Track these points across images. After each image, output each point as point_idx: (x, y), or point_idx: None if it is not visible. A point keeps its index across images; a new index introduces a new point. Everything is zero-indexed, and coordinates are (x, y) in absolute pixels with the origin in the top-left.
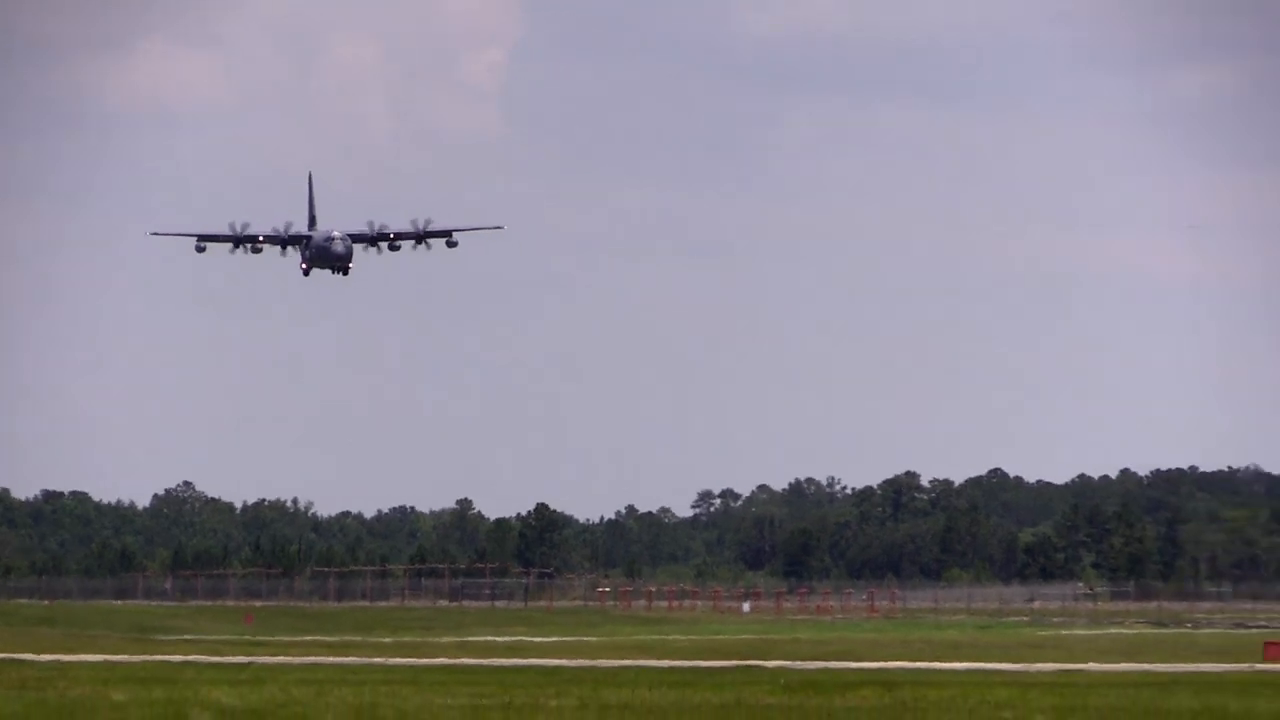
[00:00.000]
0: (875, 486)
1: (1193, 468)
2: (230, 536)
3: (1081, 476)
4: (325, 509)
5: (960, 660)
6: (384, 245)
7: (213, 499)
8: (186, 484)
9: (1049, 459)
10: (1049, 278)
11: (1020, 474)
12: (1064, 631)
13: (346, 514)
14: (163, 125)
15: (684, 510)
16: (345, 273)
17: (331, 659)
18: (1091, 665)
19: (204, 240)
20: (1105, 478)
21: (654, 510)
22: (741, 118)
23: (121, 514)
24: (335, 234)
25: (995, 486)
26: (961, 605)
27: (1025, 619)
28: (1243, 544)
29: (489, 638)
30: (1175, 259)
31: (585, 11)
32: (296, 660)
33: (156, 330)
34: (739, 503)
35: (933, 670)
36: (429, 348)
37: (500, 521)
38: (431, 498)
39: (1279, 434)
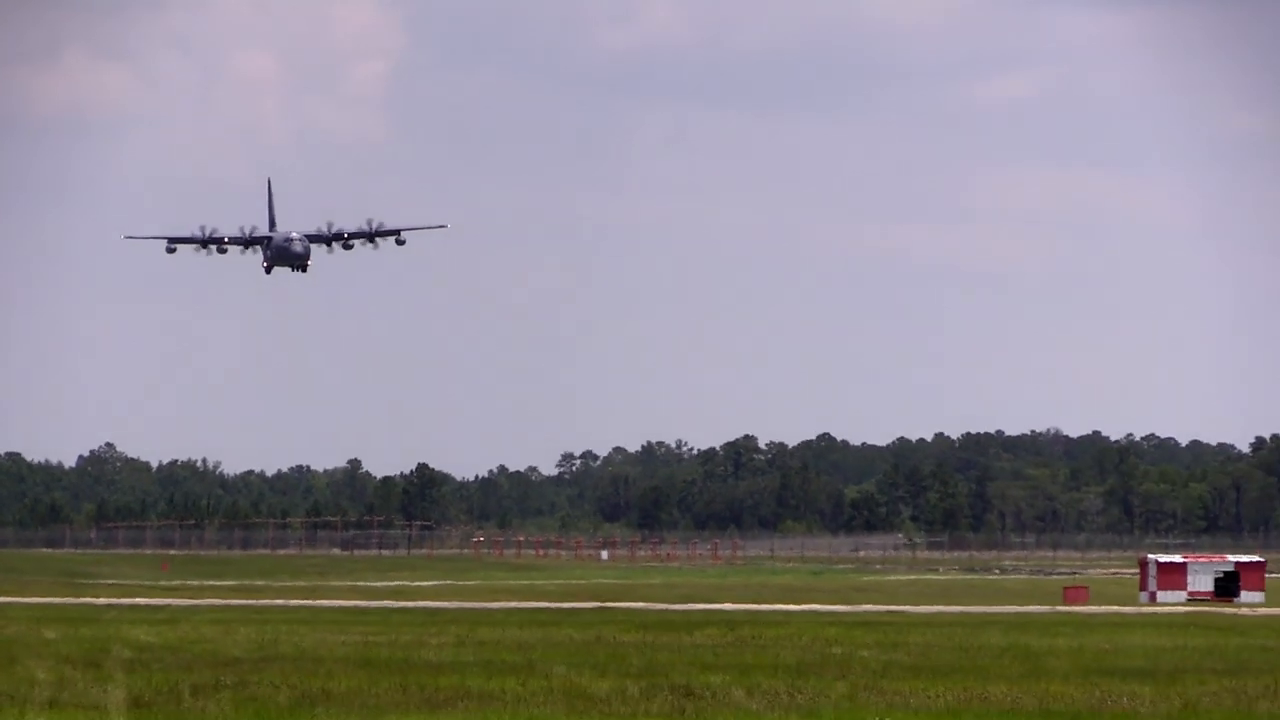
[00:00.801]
0: (718, 448)
1: (999, 431)
2: (147, 492)
3: (901, 439)
4: (231, 468)
5: (794, 602)
6: (338, 244)
7: (132, 459)
8: (109, 445)
9: (872, 424)
10: (870, 263)
11: (846, 437)
12: (886, 577)
13: (250, 472)
14: (80, 133)
15: (549, 469)
16: (304, 270)
17: (237, 601)
18: (910, 607)
19: (174, 242)
20: (922, 440)
21: (522, 469)
22: (598, 122)
23: (50, 472)
24: (294, 235)
25: (824, 448)
26: (795, 554)
27: (851, 566)
28: (1044, 499)
29: (377, 583)
30: (981, 244)
31: (460, 26)
32: (206, 602)
33: (83, 315)
34: (597, 463)
35: (770, 611)
36: (325, 327)
37: (386, 479)
38: (325, 458)
39: (1076, 401)
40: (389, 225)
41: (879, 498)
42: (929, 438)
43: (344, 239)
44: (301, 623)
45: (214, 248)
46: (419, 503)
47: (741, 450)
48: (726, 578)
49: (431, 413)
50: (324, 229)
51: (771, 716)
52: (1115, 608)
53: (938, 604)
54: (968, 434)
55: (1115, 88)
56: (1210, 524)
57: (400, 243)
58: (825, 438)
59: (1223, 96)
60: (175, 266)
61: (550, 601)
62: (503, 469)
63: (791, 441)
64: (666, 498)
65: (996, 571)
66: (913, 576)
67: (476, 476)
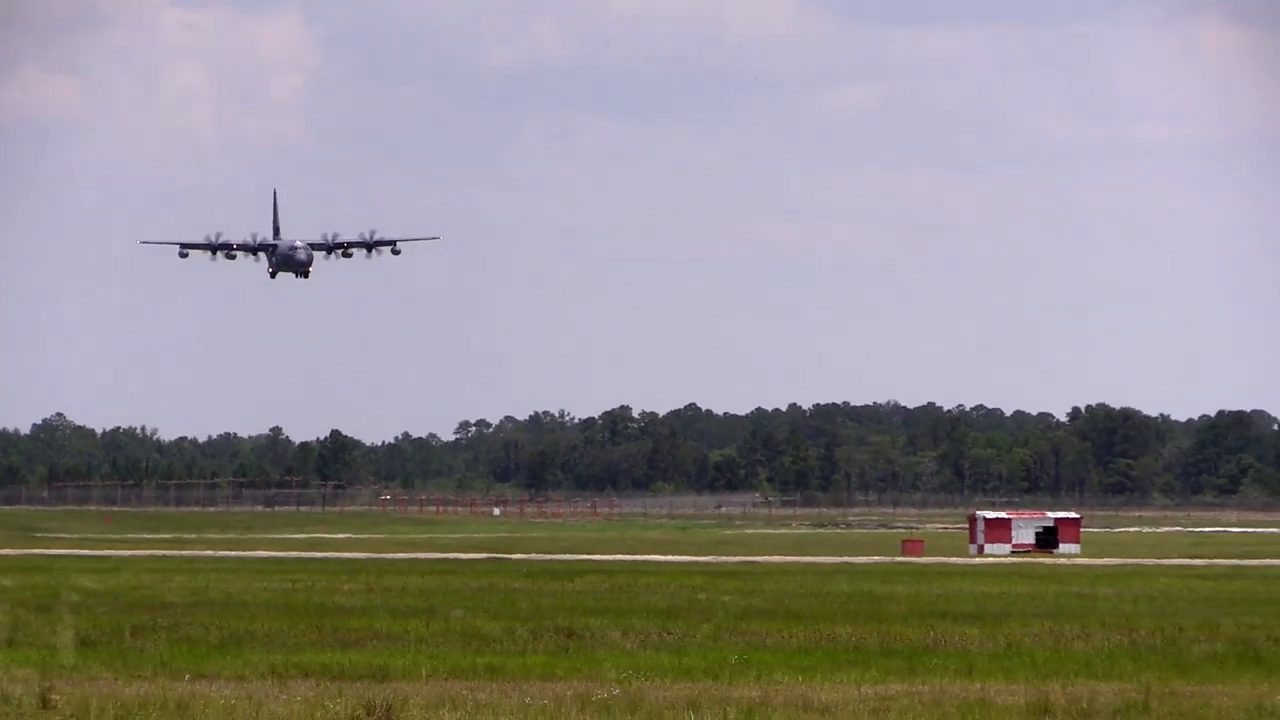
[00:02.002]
0: (597, 417)
1: (845, 402)
2: (93, 456)
3: (759, 409)
4: (167, 434)
5: (664, 554)
6: (338, 253)
7: (79, 426)
8: (59, 415)
9: (733, 395)
10: (732, 253)
11: (710, 407)
12: (745, 531)
13: (184, 438)
14: (37, 138)
15: (448, 436)
16: (306, 276)
17: (172, 552)
18: (766, 558)
19: (186, 248)
20: (777, 410)
21: (424, 436)
22: (488, 129)
23: (7, 439)
24: (299, 244)
25: (691, 417)
26: (665, 511)
27: (714, 522)
28: (885, 463)
29: (295, 535)
30: (828, 237)
31: (368, 45)
32: (145, 553)
33: (40, 299)
34: (490, 429)
35: (642, 561)
36: (249, 309)
37: (304, 444)
38: (250, 426)
39: (913, 375)
40: (386, 237)
41: (739, 461)
42: (783, 408)
43: (344, 248)
44: (229, 571)
45: (222, 254)
46: (333, 465)
47: (617, 419)
48: (604, 532)
49: (344, 385)
50: (326, 238)
51: (644, 654)
52: (947, 559)
53: (791, 555)
54: (817, 404)
55: (948, 98)
56: (1032, 484)
57: (396, 253)
58: (692, 408)
59: (1041, 106)
60: (131, 258)
61: (448, 553)
62: (407, 435)
63: (662, 411)
64: (551, 461)
65: (843, 526)
66: (769, 531)
67: (384, 442)
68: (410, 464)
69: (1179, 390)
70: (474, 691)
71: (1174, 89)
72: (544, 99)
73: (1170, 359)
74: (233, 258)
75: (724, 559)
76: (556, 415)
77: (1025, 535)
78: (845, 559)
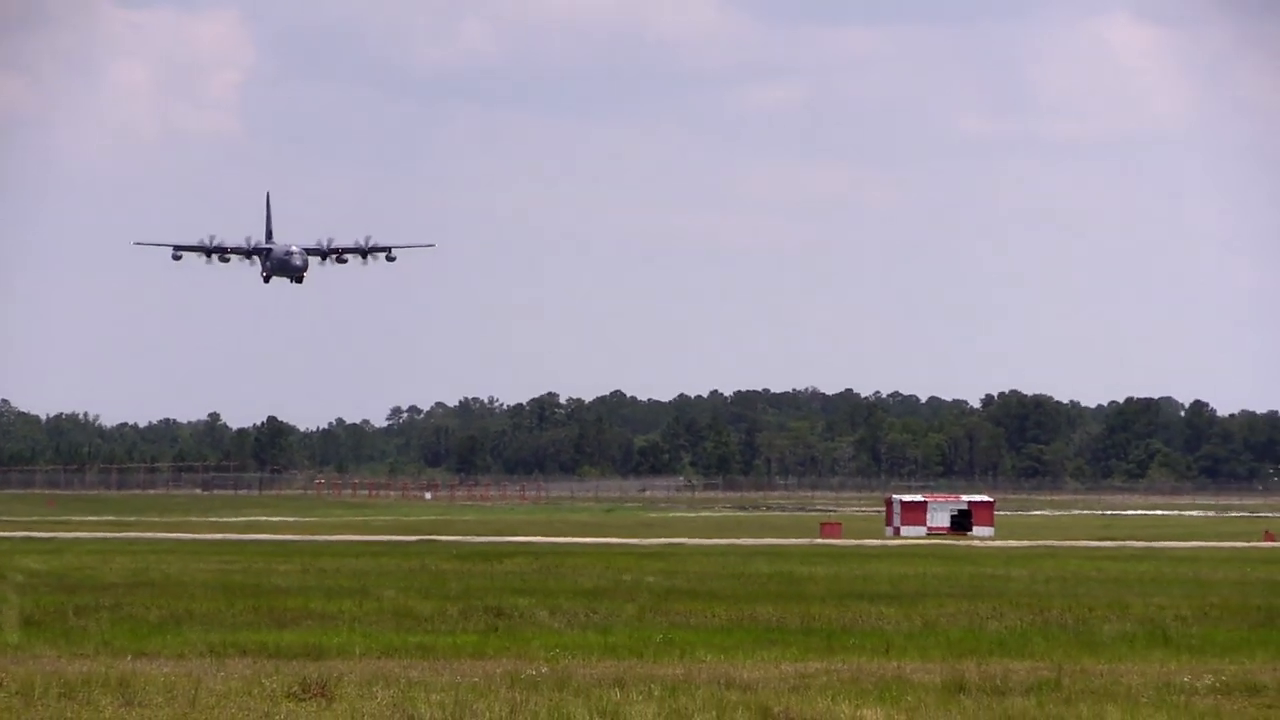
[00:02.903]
0: (525, 403)
1: (766, 389)
2: (37, 441)
3: (681, 395)
4: (109, 420)
5: (590, 536)
6: (332, 259)
7: (23, 413)
8: (4, 401)
9: (657, 382)
10: (656, 244)
11: (635, 394)
12: (668, 514)
13: (125, 424)
14: None
15: (380, 421)
16: (300, 281)
17: (113, 535)
18: (689, 540)
19: (180, 250)
20: (700, 396)
21: (358, 421)
22: (413, 124)
23: None
24: (294, 249)
25: (616, 403)
26: (591, 494)
27: (639, 505)
28: (804, 447)
29: (232, 518)
30: (748, 228)
31: (304, 44)
32: (87, 535)
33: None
34: (422, 415)
35: (569, 543)
36: (191, 301)
37: (241, 430)
38: (189, 412)
39: (831, 363)
40: (382, 243)
41: (663, 446)
42: (705, 394)
43: (339, 254)
44: (168, 553)
45: (217, 257)
46: (269, 450)
47: (545, 405)
48: (532, 515)
49: (280, 373)
50: (322, 243)
51: (571, 633)
52: (865, 541)
53: (713, 537)
54: (739, 391)
55: (865, 94)
56: (947, 469)
57: (391, 259)
58: (617, 394)
59: (955, 101)
60: (76, 249)
61: (381, 535)
62: (341, 421)
63: (588, 397)
64: (481, 446)
65: (763, 509)
66: (691, 514)
67: (318, 428)
68: (344, 449)
69: (1089, 377)
70: (406, 669)
71: (1084, 85)
72: (473, 96)
73: (1081, 347)
74: (227, 260)
75: (648, 541)
76: (486, 401)
77: (940, 518)
78: (766, 541)
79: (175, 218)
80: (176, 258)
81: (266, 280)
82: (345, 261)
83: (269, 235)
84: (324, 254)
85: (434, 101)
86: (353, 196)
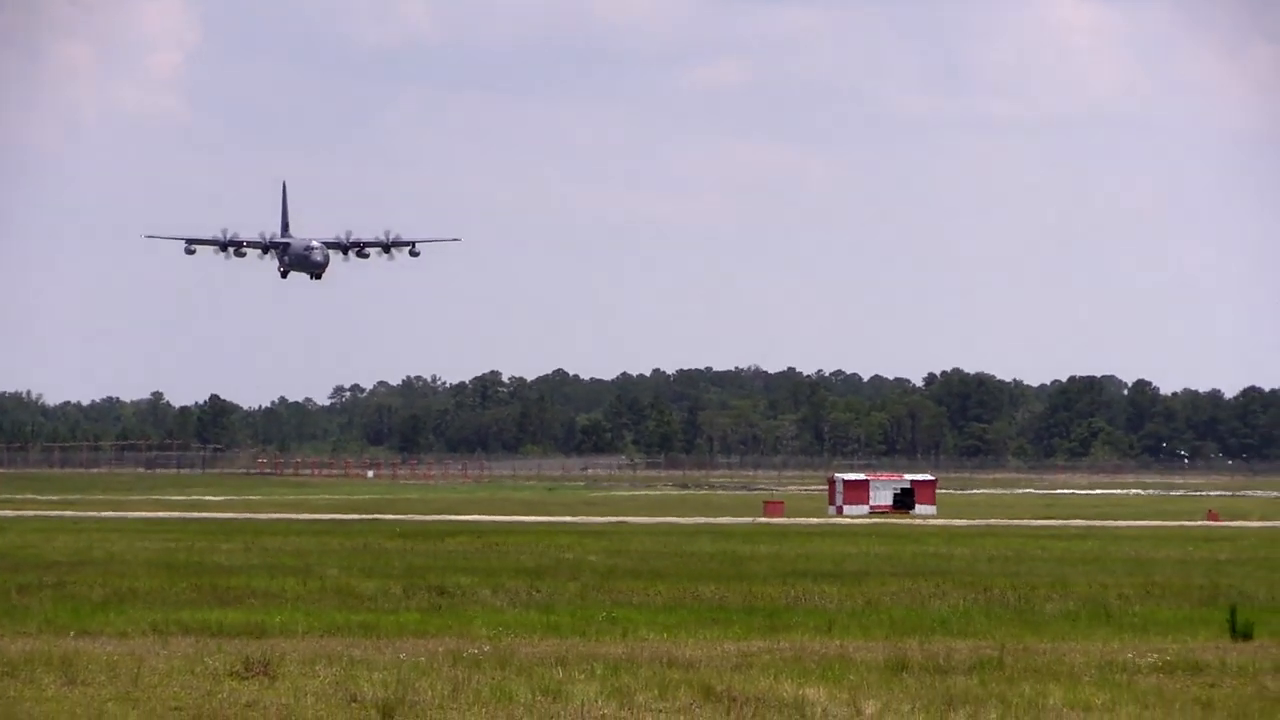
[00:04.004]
0: (468, 382)
1: (708, 368)
2: None
3: (624, 374)
4: (52, 399)
5: (532, 514)
6: (353, 254)
7: None
8: None
9: (600, 361)
10: (598, 223)
11: (578, 372)
12: (611, 493)
13: (68, 402)
14: None
15: (323, 400)
16: (319, 277)
17: (56, 513)
18: (632, 518)
19: (193, 243)
20: (642, 375)
21: (300, 400)
22: (361, 105)
23: None
24: (315, 243)
25: (559, 382)
26: (534, 473)
27: (581, 483)
28: (746, 426)
29: (175, 497)
30: (688, 207)
31: (246, 24)
32: (30, 514)
33: None
34: (364, 394)
35: (512, 522)
36: (136, 278)
37: (184, 408)
38: (132, 390)
39: (774, 341)
40: (405, 237)
41: (605, 424)
42: (648, 373)
43: (360, 248)
44: (112, 531)
45: (232, 251)
46: (212, 428)
47: (488, 384)
48: (475, 494)
49: (223, 351)
50: (341, 238)
51: (514, 612)
52: (807, 519)
53: (656, 516)
54: (681, 370)
55: (807, 73)
56: (889, 447)
57: (414, 254)
58: (559, 373)
59: (897, 80)
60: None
61: (324, 514)
62: (283, 400)
63: (530, 376)
64: (423, 425)
65: (706, 488)
66: (634, 492)
67: (261, 406)
68: (287, 428)
69: (1032, 356)
70: (349, 648)
71: (1025, 64)
72: (412, 76)
73: (1023, 326)
74: (242, 255)
75: (591, 519)
76: (429, 380)
77: (883, 497)
78: (708, 520)
79: (115, 198)
80: (190, 252)
81: (284, 275)
82: (367, 256)
83: (285, 228)
84: (345, 248)
85: (373, 81)
86: (296, 177)
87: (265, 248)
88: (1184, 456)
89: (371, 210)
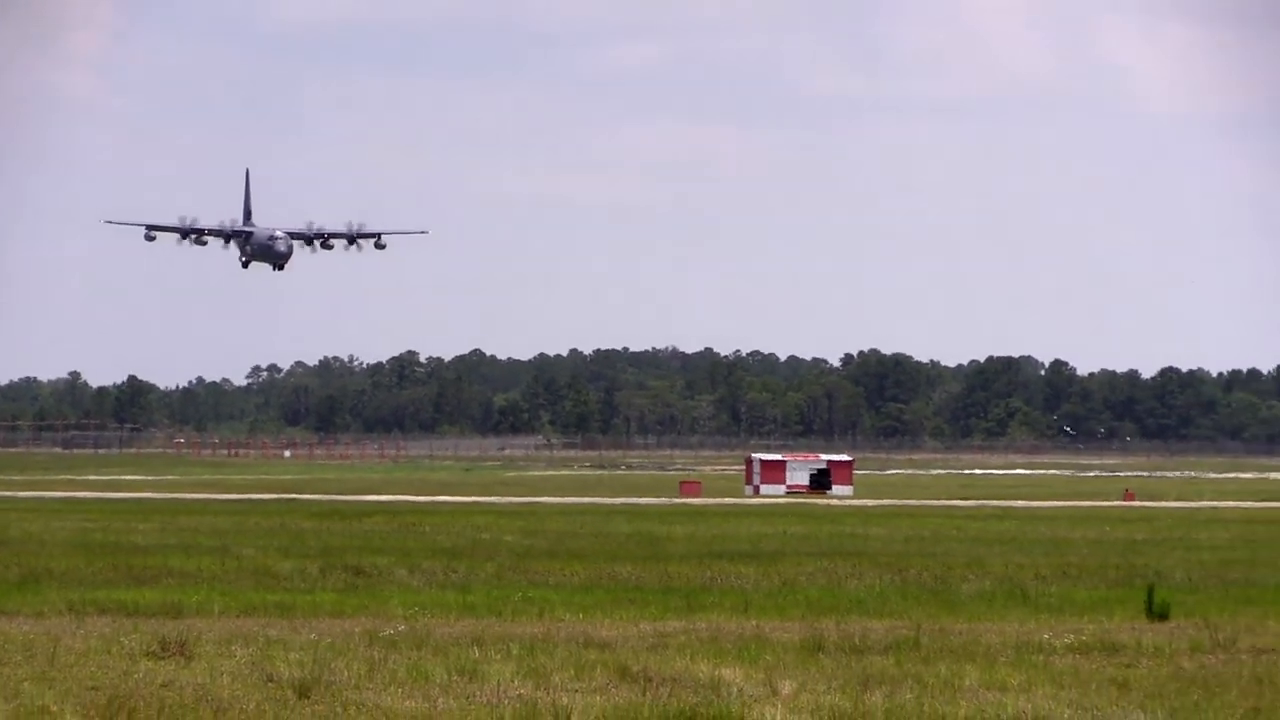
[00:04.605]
0: (385, 362)
1: (625, 348)
2: None
3: (541, 354)
4: None
5: (449, 495)
6: (318, 244)
7: None
8: None
9: (517, 340)
10: (520, 202)
11: (495, 352)
12: (527, 473)
13: None
14: None
15: (240, 380)
16: (282, 268)
17: None
18: (548, 498)
19: (153, 230)
20: (559, 355)
21: (217, 380)
22: (279, 84)
23: None
24: (279, 233)
25: (475, 362)
26: (450, 453)
27: (498, 463)
28: (663, 406)
29: (92, 477)
30: (616, 187)
31: (160, 2)
32: None
33: None
34: (281, 374)
35: (428, 502)
36: (50, 254)
37: (101, 388)
38: (49, 370)
39: (691, 322)
40: (370, 228)
41: (522, 404)
42: (565, 353)
43: (325, 239)
44: (28, 511)
45: (193, 239)
46: (129, 408)
47: (405, 364)
48: (391, 474)
49: (140, 331)
50: (305, 228)
51: (430, 592)
52: (724, 499)
53: (572, 496)
54: (598, 350)
55: (724, 53)
56: (806, 428)
57: (380, 246)
58: (476, 353)
59: (814, 61)
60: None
61: (241, 494)
62: (200, 380)
63: (447, 356)
64: (340, 405)
65: (623, 468)
66: (551, 472)
67: (178, 386)
68: (204, 407)
69: (949, 336)
70: (265, 628)
71: (937, 43)
72: (330, 57)
73: (940, 306)
74: (204, 243)
75: (507, 500)
76: (345, 360)
77: (799, 477)
78: (625, 500)
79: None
80: (150, 238)
81: (245, 265)
82: (331, 248)
83: (247, 216)
84: (309, 239)
85: (289, 61)
86: (214, 159)
87: (227, 236)
88: (1100, 433)
89: (280, 190)
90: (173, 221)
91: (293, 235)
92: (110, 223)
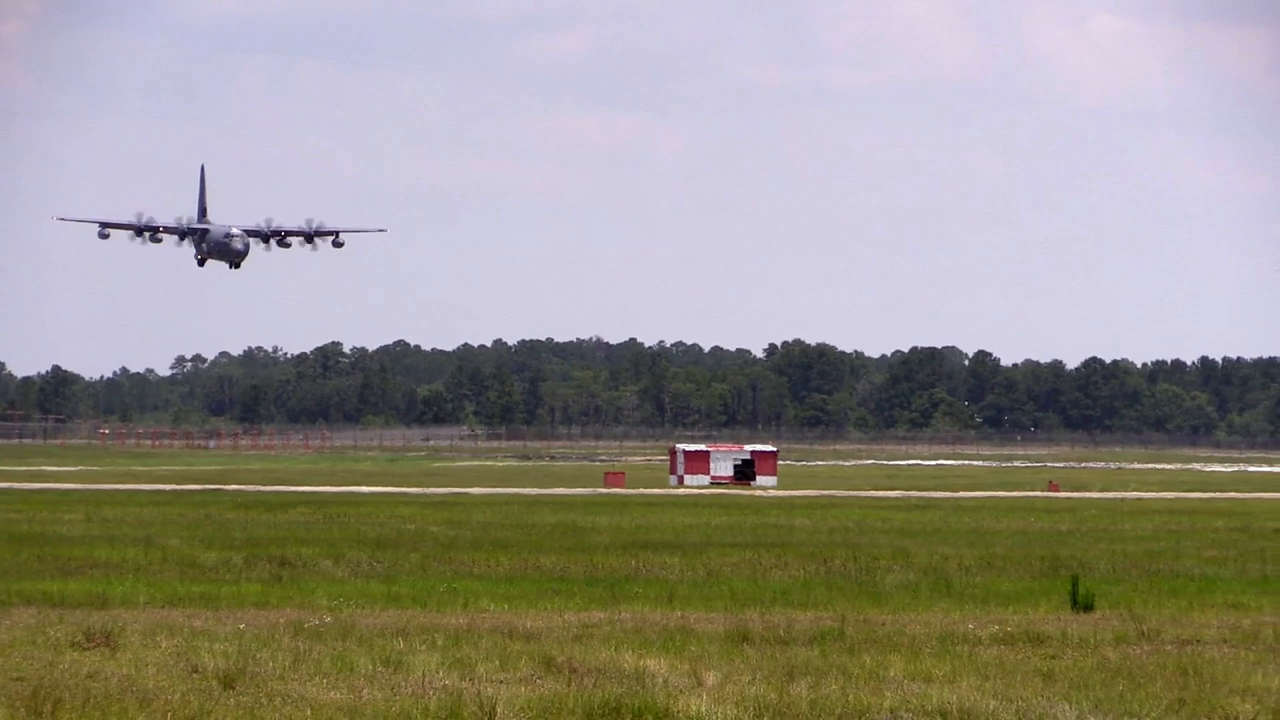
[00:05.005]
0: (309, 352)
1: (550, 339)
2: None
3: (465, 345)
4: None
5: (374, 485)
6: (275, 242)
7: None
8: None
9: (441, 331)
10: (441, 192)
11: (419, 343)
12: (452, 464)
13: None
14: None
15: (164, 371)
16: (238, 266)
17: None
18: (473, 489)
19: (106, 227)
20: (483, 346)
21: (142, 370)
22: (205, 74)
23: None
24: (235, 231)
25: (400, 353)
26: (375, 444)
27: (423, 454)
28: (588, 397)
29: (16, 467)
30: (539, 177)
31: None
32: None
33: None
34: (206, 365)
35: (353, 492)
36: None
37: (25, 379)
38: None
39: (615, 313)
40: (328, 226)
41: (446, 395)
42: (489, 344)
43: (281, 237)
44: None
45: (147, 236)
46: (53, 399)
47: (329, 354)
48: (316, 464)
49: (64, 321)
50: (262, 226)
51: (355, 583)
52: (649, 490)
53: (497, 487)
54: (523, 341)
55: (652, 42)
56: (730, 418)
57: (338, 244)
58: (401, 343)
59: (744, 51)
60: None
61: (165, 484)
62: (125, 370)
63: (372, 347)
64: (265, 395)
65: (547, 459)
66: (475, 463)
67: (102, 376)
68: (128, 398)
69: (873, 327)
70: (190, 618)
71: (871, 35)
72: (262, 46)
73: (864, 297)
74: (158, 240)
75: (432, 490)
76: (270, 351)
77: (724, 468)
78: (549, 491)
79: None
80: (104, 236)
81: (201, 264)
82: (288, 246)
83: (202, 213)
84: (266, 236)
85: (224, 51)
86: (134, 138)
87: (182, 234)
88: (1030, 429)
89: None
90: (128, 219)
91: (249, 233)
92: (63, 220)
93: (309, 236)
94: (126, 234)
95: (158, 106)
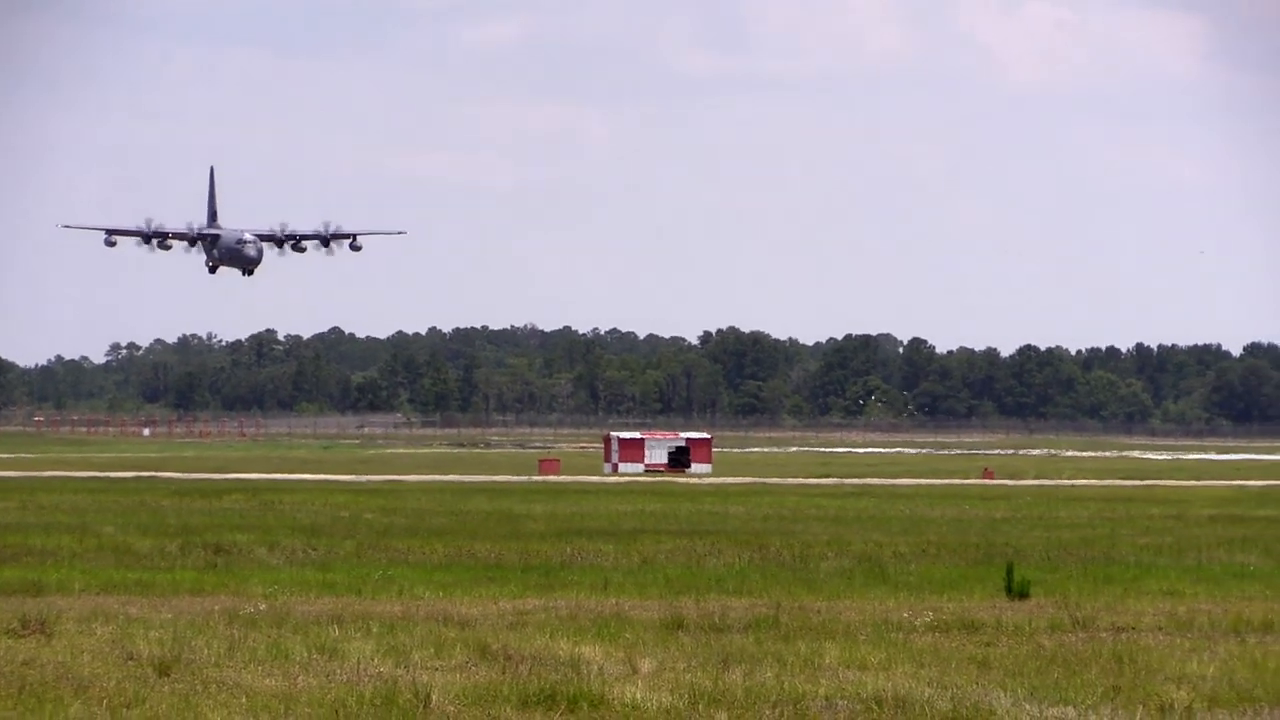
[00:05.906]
0: (244, 340)
1: (484, 326)
2: None
3: (399, 332)
4: None
5: (308, 473)
6: (289, 246)
7: None
8: None
9: (375, 319)
10: (376, 182)
11: (354, 330)
12: (387, 451)
13: None
14: None
15: (99, 358)
16: (251, 273)
17: None
18: (407, 476)
19: (114, 234)
20: (418, 334)
21: (76, 358)
22: (136, 61)
23: None
24: (248, 236)
25: (334, 340)
26: (309, 431)
27: (357, 442)
28: (522, 384)
29: None
30: (472, 166)
31: None
32: None
33: None
34: (140, 352)
35: (287, 480)
36: None
37: None
38: None
39: (550, 300)
40: (346, 229)
41: (381, 383)
42: (424, 331)
43: (296, 240)
44: None
45: (156, 243)
46: None
47: (264, 342)
48: (250, 451)
49: None
50: (275, 229)
51: (290, 570)
52: (583, 477)
53: (431, 474)
54: (457, 328)
55: (585, 31)
56: (665, 406)
57: (356, 248)
58: (335, 331)
59: (677, 39)
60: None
61: (100, 472)
62: (59, 358)
63: (306, 334)
64: (200, 382)
65: (482, 446)
66: (410, 450)
67: (37, 364)
68: (63, 385)
69: (807, 314)
70: (125, 605)
71: (804, 22)
72: (190, 37)
73: (798, 284)
74: (168, 247)
75: (367, 478)
76: (205, 338)
77: (658, 455)
78: (484, 478)
79: None
80: (110, 243)
81: (212, 271)
82: (303, 250)
83: (213, 218)
84: (280, 241)
85: (149, 36)
86: (65, 132)
87: (193, 239)
88: (965, 415)
89: (142, 163)
90: (136, 225)
91: (262, 237)
92: (68, 227)
93: (324, 240)
94: (133, 240)
95: (82, 93)
